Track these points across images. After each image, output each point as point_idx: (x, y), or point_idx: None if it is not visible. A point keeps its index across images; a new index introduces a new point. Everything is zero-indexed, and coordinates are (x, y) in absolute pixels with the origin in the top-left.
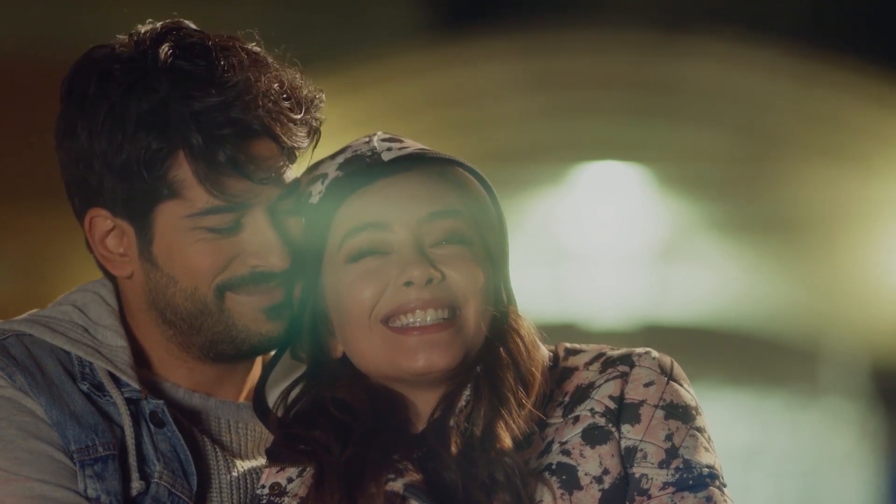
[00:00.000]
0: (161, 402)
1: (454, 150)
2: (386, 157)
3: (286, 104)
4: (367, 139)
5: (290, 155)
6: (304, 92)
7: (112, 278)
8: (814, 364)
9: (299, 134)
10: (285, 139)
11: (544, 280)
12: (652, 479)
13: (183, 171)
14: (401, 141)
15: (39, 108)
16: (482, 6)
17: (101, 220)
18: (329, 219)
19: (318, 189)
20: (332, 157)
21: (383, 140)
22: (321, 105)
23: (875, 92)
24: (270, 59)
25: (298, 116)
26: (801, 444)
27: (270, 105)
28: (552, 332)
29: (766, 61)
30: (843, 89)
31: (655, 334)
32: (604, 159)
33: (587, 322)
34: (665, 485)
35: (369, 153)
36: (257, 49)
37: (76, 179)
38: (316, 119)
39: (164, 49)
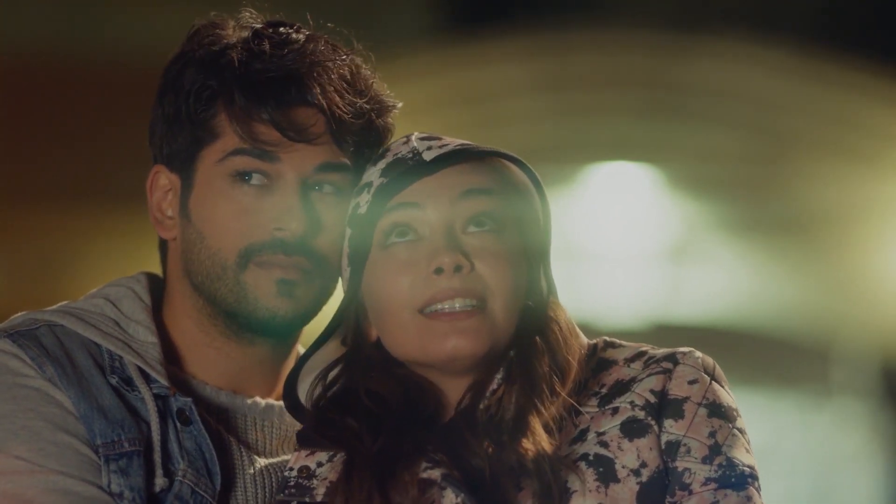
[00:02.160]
0: (189, 399)
1: None
2: (427, 156)
3: (343, 82)
4: (405, 140)
5: (341, 132)
6: (374, 89)
7: (164, 249)
8: (825, 364)
9: (346, 109)
10: (324, 102)
11: (556, 279)
12: (695, 473)
13: (222, 117)
14: (440, 139)
15: (52, 110)
16: (494, 7)
17: (161, 176)
18: (377, 223)
19: (365, 199)
20: (374, 162)
21: (422, 139)
22: (391, 110)
23: (888, 92)
24: (355, 57)
25: (351, 97)
26: (812, 444)
27: (325, 74)
28: None
29: (778, 62)
30: (855, 90)
31: (667, 334)
32: (615, 160)
33: (599, 321)
34: (707, 480)
35: (410, 155)
36: (352, 54)
37: (150, 142)
38: (380, 116)
39: (252, 19)
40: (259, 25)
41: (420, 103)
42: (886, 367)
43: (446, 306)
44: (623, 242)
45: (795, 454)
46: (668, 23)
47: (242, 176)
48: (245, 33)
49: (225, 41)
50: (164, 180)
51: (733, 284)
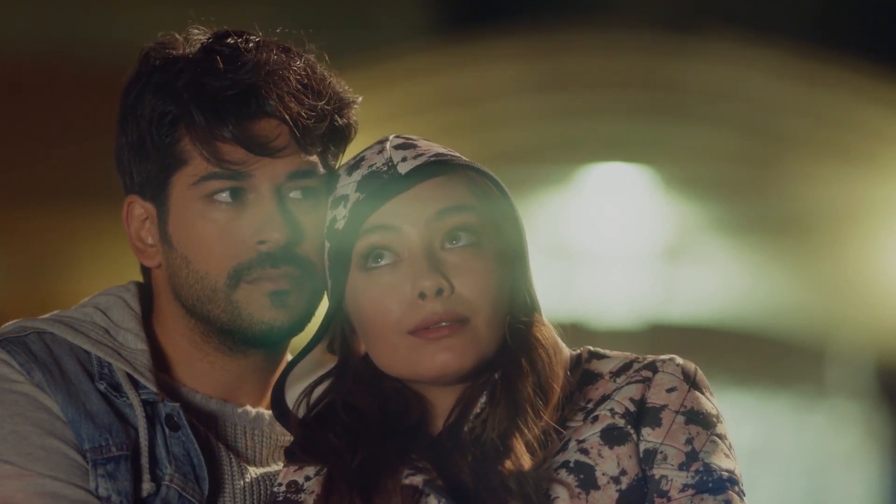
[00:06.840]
0: (177, 405)
1: (460, 151)
2: (402, 169)
3: (301, 86)
4: (379, 147)
5: (306, 139)
6: (332, 88)
7: (146, 274)
8: (820, 364)
9: (307, 115)
10: (284, 113)
11: (551, 279)
12: (672, 480)
13: (186, 140)
14: (414, 146)
15: (50, 111)
16: (489, 7)
17: (135, 206)
18: (356, 241)
19: (342, 214)
20: (349, 171)
21: (397, 147)
22: (351, 105)
23: (883, 93)
24: (309, 57)
25: (311, 101)
26: (807, 444)
27: (282, 83)
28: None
29: (773, 62)
30: (850, 90)
31: (661, 334)
32: (611, 160)
33: (594, 321)
34: (685, 487)
35: (385, 167)
36: (306, 54)
37: (118, 170)
38: (342, 115)
39: (202, 36)
40: (206, 38)
41: (415, 104)
42: (881, 368)
43: (432, 328)
44: (618, 242)
45: (789, 454)
46: (663, 23)
47: (217, 195)
48: (195, 50)
49: (177, 62)
50: (139, 210)
51: (728, 285)
